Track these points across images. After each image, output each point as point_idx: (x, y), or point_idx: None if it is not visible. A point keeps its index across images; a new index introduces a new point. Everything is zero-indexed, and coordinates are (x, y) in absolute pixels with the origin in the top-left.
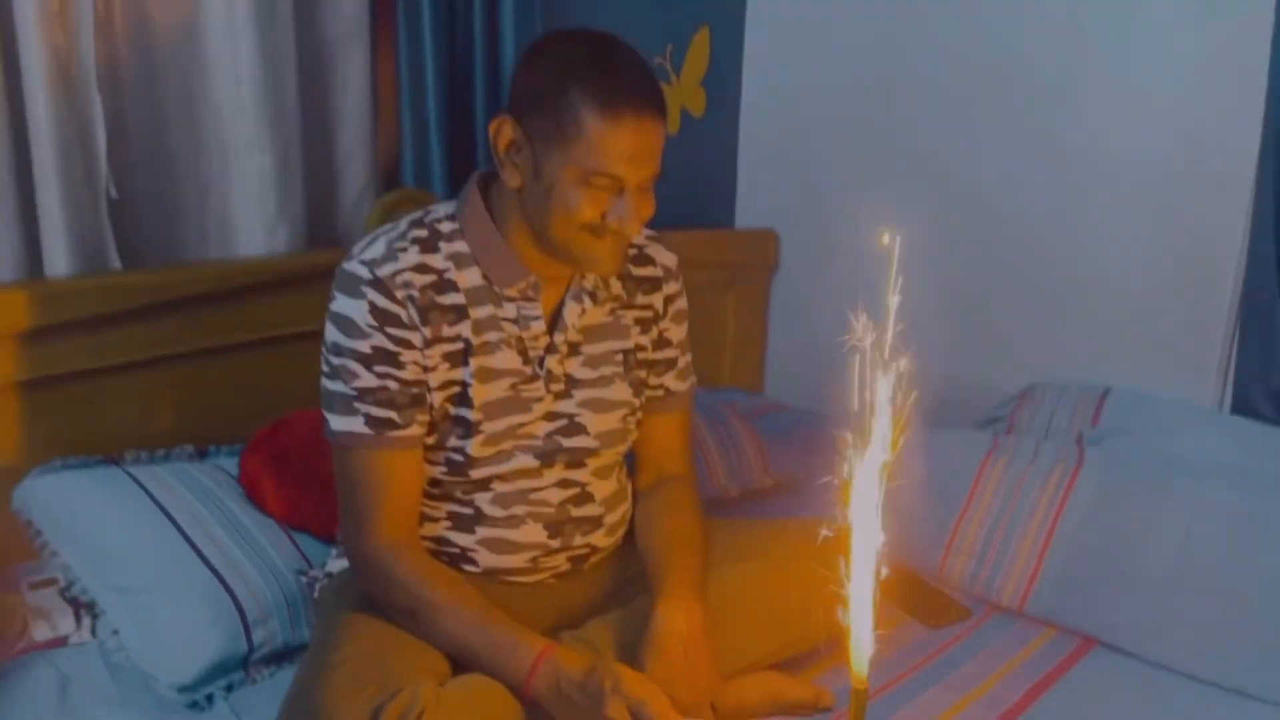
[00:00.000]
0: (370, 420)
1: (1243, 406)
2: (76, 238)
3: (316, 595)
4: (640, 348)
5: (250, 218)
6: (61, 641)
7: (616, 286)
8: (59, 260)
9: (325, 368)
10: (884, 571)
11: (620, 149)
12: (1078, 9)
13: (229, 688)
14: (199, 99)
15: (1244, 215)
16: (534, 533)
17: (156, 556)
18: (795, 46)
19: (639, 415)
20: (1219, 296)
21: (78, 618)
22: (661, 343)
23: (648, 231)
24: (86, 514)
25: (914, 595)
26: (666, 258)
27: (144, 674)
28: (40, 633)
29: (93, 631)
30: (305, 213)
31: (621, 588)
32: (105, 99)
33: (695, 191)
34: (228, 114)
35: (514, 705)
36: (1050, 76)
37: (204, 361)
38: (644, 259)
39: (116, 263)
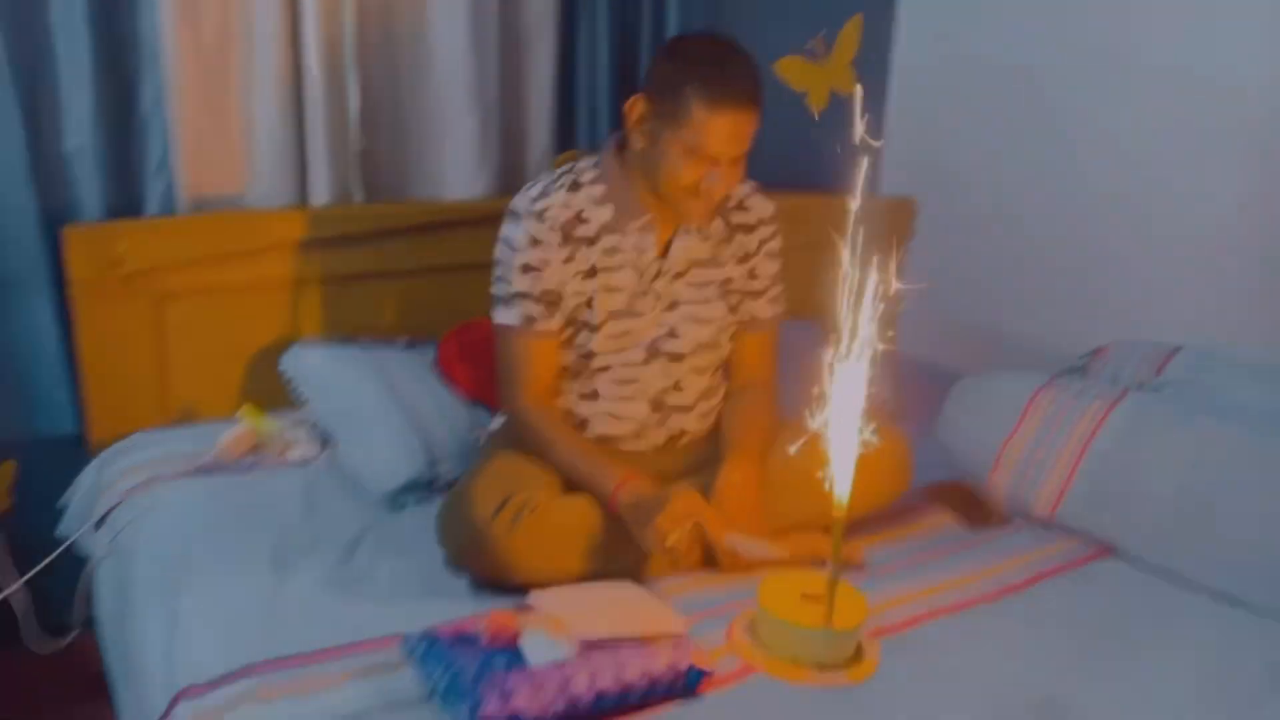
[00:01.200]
0: (523, 315)
1: None
2: (333, 176)
3: (481, 443)
4: (734, 278)
5: (458, 168)
6: (309, 462)
7: (718, 227)
8: (320, 192)
9: (495, 274)
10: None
11: (717, 134)
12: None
13: (417, 501)
14: (425, 76)
15: None
16: (638, 410)
17: (377, 408)
18: (943, 32)
19: (730, 332)
20: None
21: (320, 447)
22: (753, 275)
23: (750, 185)
24: (332, 377)
25: (960, 501)
26: (764, 208)
27: (361, 484)
28: (296, 454)
29: (330, 458)
30: (499, 165)
31: (704, 466)
32: (358, 75)
33: (841, 162)
34: (445, 86)
35: (598, 517)
36: (1160, 60)
37: (419, 277)
38: (743, 208)
39: (359, 197)
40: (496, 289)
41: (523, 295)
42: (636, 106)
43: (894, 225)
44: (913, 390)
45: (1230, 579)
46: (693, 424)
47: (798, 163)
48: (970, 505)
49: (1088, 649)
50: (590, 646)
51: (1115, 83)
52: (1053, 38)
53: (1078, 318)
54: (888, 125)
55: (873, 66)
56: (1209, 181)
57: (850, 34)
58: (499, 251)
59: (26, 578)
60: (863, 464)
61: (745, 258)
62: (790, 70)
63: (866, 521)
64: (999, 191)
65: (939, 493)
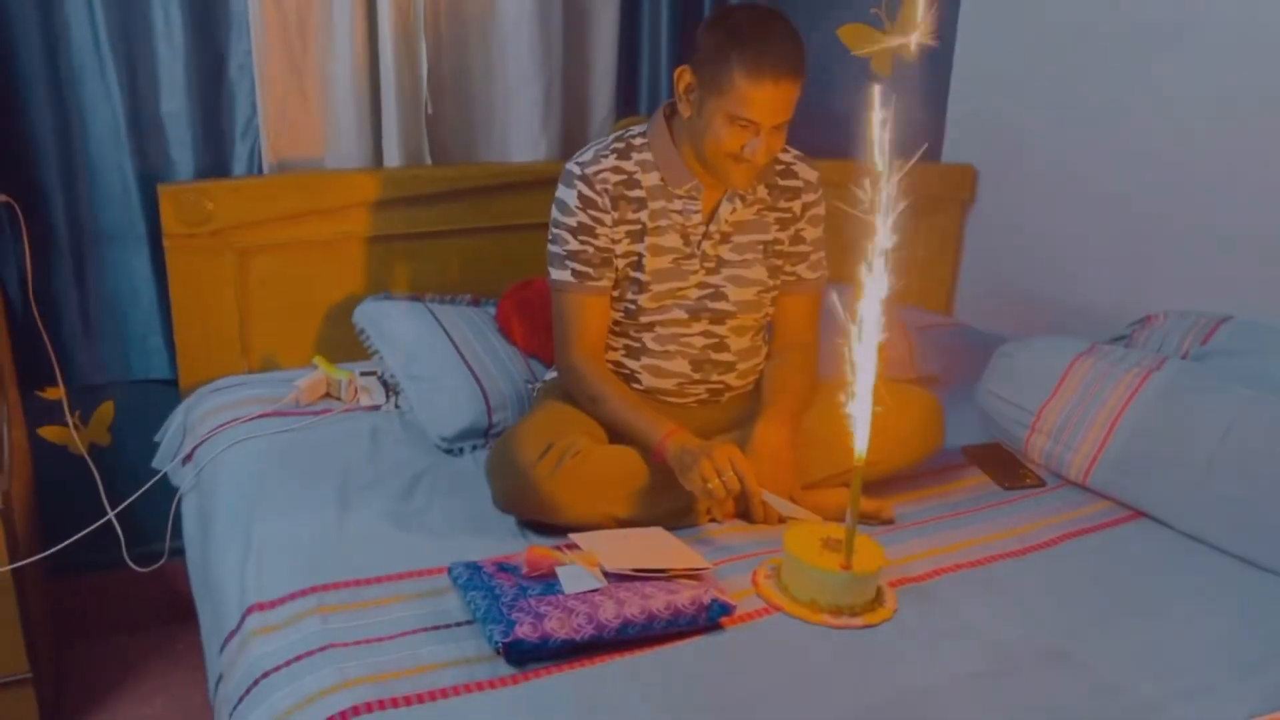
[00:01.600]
0: (575, 273)
1: None
2: (404, 140)
3: (534, 394)
4: (778, 241)
5: (522, 132)
6: (376, 408)
7: (763, 192)
8: (393, 155)
9: (550, 235)
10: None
11: (758, 102)
12: None
13: (474, 447)
14: (491, 44)
15: None
16: (681, 365)
17: (439, 359)
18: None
19: (773, 294)
20: None
21: (387, 395)
22: (796, 239)
23: (795, 152)
24: (400, 329)
25: (996, 461)
26: (808, 174)
27: (423, 430)
28: (365, 400)
29: (396, 405)
30: (561, 130)
31: (745, 422)
32: (428, 43)
33: (903, 129)
34: (511, 56)
35: (638, 464)
36: (1220, 29)
37: (483, 236)
38: (789, 174)
39: (429, 160)
40: (551, 248)
41: (576, 254)
42: (684, 76)
43: (954, 191)
44: (968, 356)
45: (1259, 546)
46: (735, 381)
47: (849, 130)
48: (1004, 464)
49: (1107, 606)
50: (620, 581)
51: (1175, 51)
52: (1115, 6)
53: (1137, 285)
54: (951, 92)
55: (938, 33)
56: (1268, 151)
57: (914, 1)
58: (553, 213)
59: (121, 507)
60: (892, 422)
61: (789, 222)
62: (853, 36)
63: (900, 479)
64: (1060, 159)
65: (976, 453)
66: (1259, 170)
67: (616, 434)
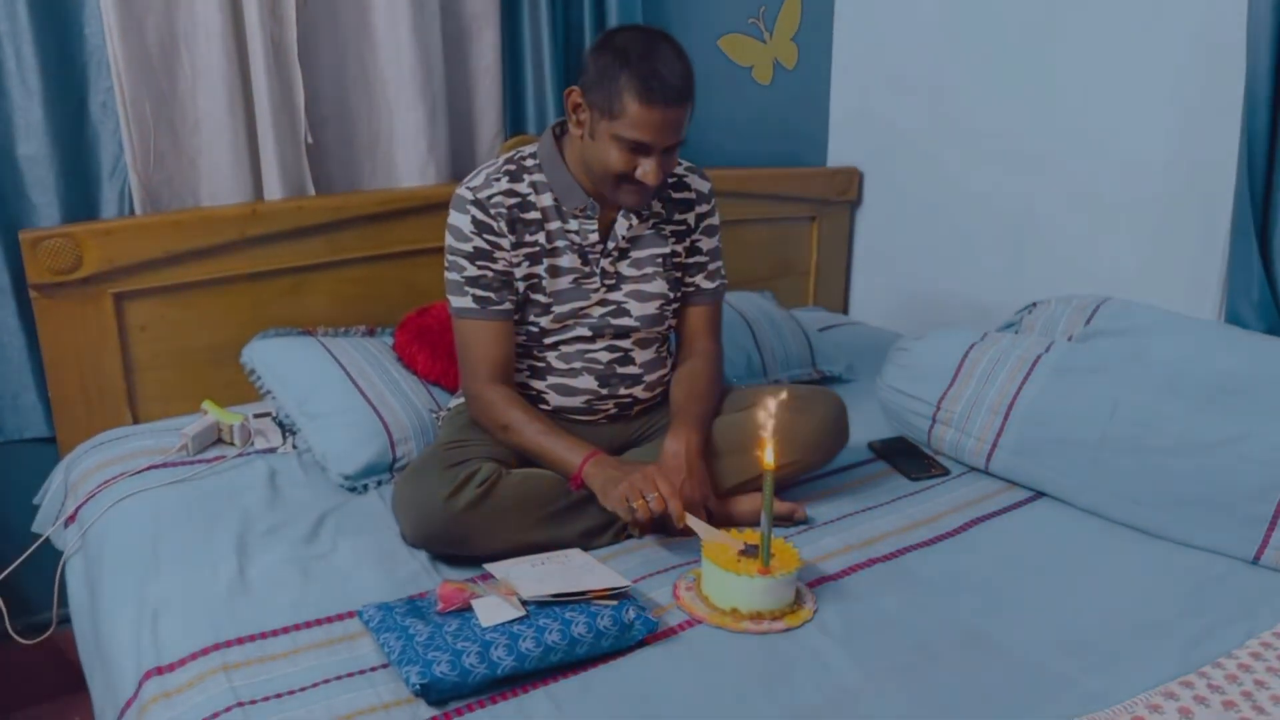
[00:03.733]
0: (476, 298)
1: (1234, 318)
2: (285, 172)
3: (440, 422)
4: (676, 254)
5: (408, 157)
6: (273, 450)
7: (657, 206)
8: (273, 188)
9: (446, 263)
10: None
11: (649, 125)
12: None
13: (378, 483)
14: (370, 69)
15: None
16: (588, 382)
17: (335, 395)
18: (880, 7)
19: (675, 306)
20: (1223, 220)
21: (284, 436)
22: (693, 250)
23: (686, 164)
24: (291, 367)
25: (902, 454)
26: (701, 185)
27: (322, 469)
28: (259, 444)
29: (293, 445)
30: (449, 153)
31: (655, 434)
32: (304, 72)
33: (788, 134)
34: (391, 80)
35: (548, 487)
36: (1080, 36)
37: (373, 265)
38: (682, 186)
39: (312, 190)
40: (449, 275)
41: (475, 280)
42: (573, 97)
43: (842, 193)
44: (866, 354)
45: (1150, 515)
46: (642, 394)
47: (745, 139)
48: (912, 458)
49: (1016, 588)
50: (539, 608)
51: (1042, 46)
52: (987, 8)
53: (1022, 274)
54: (833, 97)
55: (815, 40)
56: (1135, 137)
57: (791, 10)
58: (448, 239)
59: (0, 576)
60: (799, 424)
61: (685, 234)
62: (734, 47)
63: (811, 479)
64: (939, 157)
65: (882, 448)
66: (1128, 157)
67: (528, 461)
